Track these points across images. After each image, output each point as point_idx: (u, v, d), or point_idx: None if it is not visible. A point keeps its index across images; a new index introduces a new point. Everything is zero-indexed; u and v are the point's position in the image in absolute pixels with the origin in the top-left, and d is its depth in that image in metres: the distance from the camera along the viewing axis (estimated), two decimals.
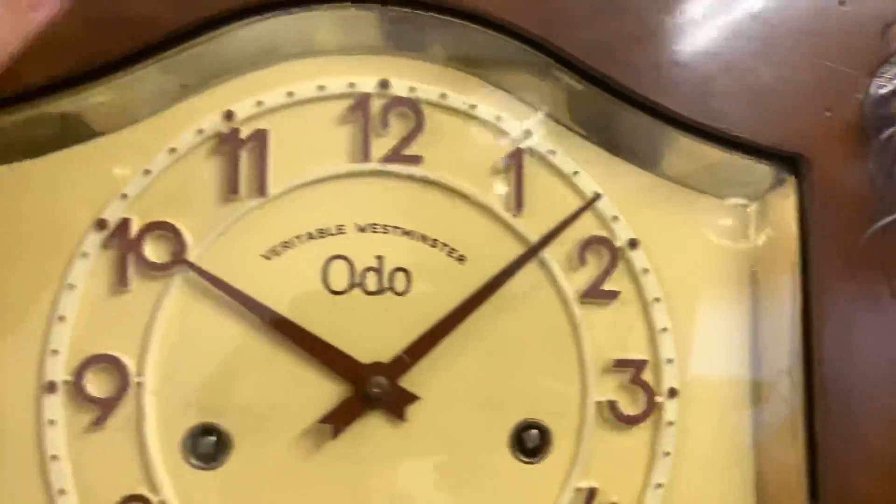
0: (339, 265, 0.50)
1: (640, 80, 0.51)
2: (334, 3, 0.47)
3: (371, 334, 0.50)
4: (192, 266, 0.48)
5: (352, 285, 0.50)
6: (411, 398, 0.49)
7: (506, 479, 0.51)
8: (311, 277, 0.50)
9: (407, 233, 0.51)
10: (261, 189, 0.49)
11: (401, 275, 0.51)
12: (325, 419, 0.48)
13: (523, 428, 0.51)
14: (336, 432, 0.48)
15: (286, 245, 0.50)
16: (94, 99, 0.47)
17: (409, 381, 0.50)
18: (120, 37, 0.45)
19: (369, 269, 0.50)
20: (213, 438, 0.48)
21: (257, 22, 0.48)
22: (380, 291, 0.50)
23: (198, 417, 0.48)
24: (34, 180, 0.47)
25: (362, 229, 0.51)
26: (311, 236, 0.50)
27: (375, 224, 0.51)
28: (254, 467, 0.48)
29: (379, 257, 0.51)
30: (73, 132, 0.48)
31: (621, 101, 0.52)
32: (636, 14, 0.51)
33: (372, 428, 0.49)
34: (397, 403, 0.49)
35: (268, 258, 0.50)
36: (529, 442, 0.51)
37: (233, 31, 0.48)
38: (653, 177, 0.53)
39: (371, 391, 0.48)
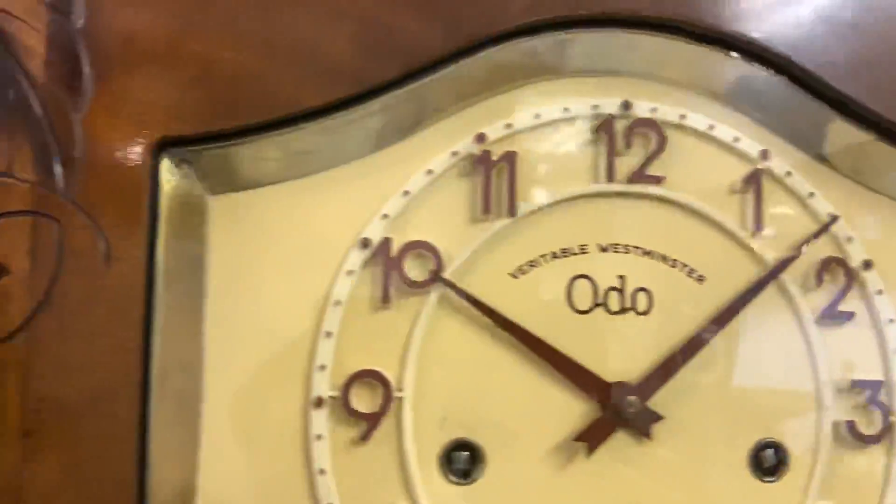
0: (583, 284, 0.51)
1: (883, 102, 0.52)
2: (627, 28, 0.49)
3: (614, 353, 0.51)
4: (448, 284, 0.49)
5: (595, 304, 0.51)
6: (656, 417, 0.50)
7: (745, 497, 0.51)
8: (556, 296, 0.51)
9: (647, 253, 0.52)
10: (510, 209, 0.50)
11: (642, 294, 0.51)
12: (581, 437, 0.49)
13: (761, 447, 0.52)
14: (591, 450, 0.49)
15: (532, 264, 0.51)
16: (358, 122, 0.48)
17: (651, 400, 0.51)
18: (391, 61, 0.47)
19: (612, 288, 0.51)
20: (466, 453, 0.49)
21: (511, 45, 0.49)
22: (622, 311, 0.51)
23: (453, 432, 0.49)
24: (301, 200, 0.48)
25: (604, 249, 0.51)
26: (555, 256, 0.51)
27: (617, 244, 0.51)
28: (506, 483, 0.49)
29: (621, 277, 0.51)
30: (336, 154, 0.49)
31: (858, 122, 0.52)
32: (877, 35, 0.52)
33: (617, 446, 0.50)
34: (644, 422, 0.50)
35: (515, 277, 0.50)
36: (767, 461, 0.52)
37: (489, 54, 0.49)
38: (884, 198, 0.54)
39: (626, 410, 0.49)
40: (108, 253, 0.44)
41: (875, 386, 0.52)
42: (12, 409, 0.43)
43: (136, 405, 0.44)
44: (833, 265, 0.52)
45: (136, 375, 0.44)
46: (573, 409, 0.50)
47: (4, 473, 0.42)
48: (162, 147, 0.45)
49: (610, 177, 0.51)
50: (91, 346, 0.43)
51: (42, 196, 0.44)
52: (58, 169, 0.44)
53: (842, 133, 0.53)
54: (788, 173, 0.53)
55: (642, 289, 0.51)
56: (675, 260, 0.52)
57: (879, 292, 0.52)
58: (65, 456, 0.42)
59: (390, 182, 0.49)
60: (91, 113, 0.44)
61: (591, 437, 0.49)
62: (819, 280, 0.52)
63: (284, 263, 0.48)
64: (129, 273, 0.44)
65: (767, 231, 0.52)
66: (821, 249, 0.52)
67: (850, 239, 0.53)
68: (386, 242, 0.49)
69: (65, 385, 0.43)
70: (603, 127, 0.51)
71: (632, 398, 0.49)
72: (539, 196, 0.50)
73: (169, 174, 0.46)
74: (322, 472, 0.47)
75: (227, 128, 0.46)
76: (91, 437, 0.43)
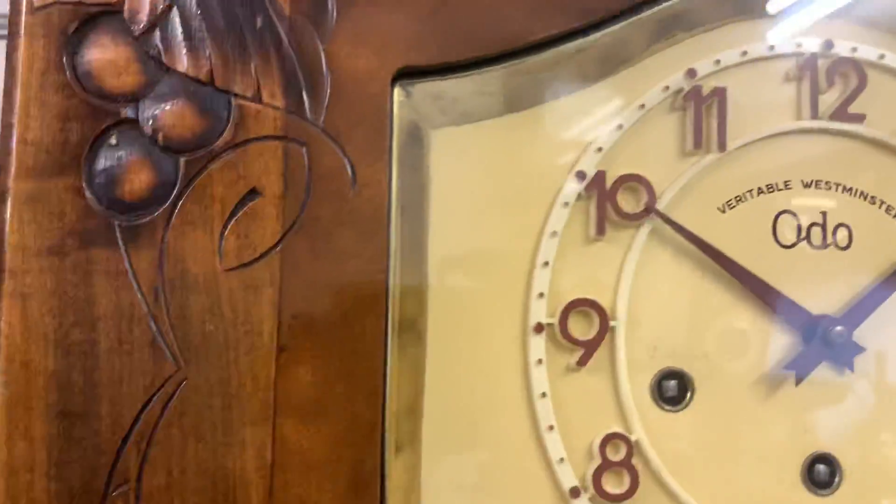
0: (787, 220, 0.52)
1: None
2: None
3: (816, 287, 0.52)
4: (663, 217, 0.50)
5: (798, 239, 0.52)
6: (859, 349, 0.51)
7: None
8: (762, 231, 0.52)
9: (848, 189, 0.53)
10: (720, 144, 0.51)
11: (843, 230, 0.52)
12: (790, 366, 0.50)
13: None
14: (798, 380, 0.51)
15: (739, 199, 0.52)
16: (575, 56, 0.49)
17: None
18: None
19: (814, 224, 0.52)
20: (674, 382, 0.51)
21: None
22: (823, 246, 0.52)
23: (663, 362, 0.51)
24: (518, 134, 0.50)
25: (807, 185, 0.52)
26: (760, 191, 0.52)
27: (819, 180, 0.52)
28: (714, 410, 0.51)
29: (823, 213, 0.52)
30: (552, 88, 0.50)
31: None
32: None
33: (819, 377, 0.51)
34: (848, 354, 0.51)
35: (722, 211, 0.52)
36: None
37: None
38: None
39: (834, 342, 0.50)
40: (354, 178, 0.46)
41: None
42: (268, 324, 0.44)
43: (382, 324, 0.45)
44: None
45: (381, 296, 0.45)
46: (777, 341, 0.51)
47: (261, 386, 0.44)
48: (397, 78, 0.47)
49: (813, 114, 0.52)
50: (340, 267, 0.45)
51: (291, 122, 0.45)
52: (305, 96, 0.46)
53: None
54: None
55: (843, 225, 0.52)
56: (874, 197, 0.53)
57: None
58: (317, 370, 0.44)
59: (604, 116, 0.50)
60: (335, 42, 0.46)
61: (799, 367, 0.51)
62: None
63: (502, 195, 0.50)
64: (375, 198, 0.45)
65: None
66: None
67: None
68: (600, 175, 0.50)
69: (316, 303, 0.44)
70: (806, 65, 0.52)
71: (839, 329, 0.50)
72: (746, 131, 0.51)
73: (401, 105, 0.47)
74: (543, 395, 0.49)
75: (463, 59, 0.47)
76: (341, 352, 0.44)
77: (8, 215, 0.43)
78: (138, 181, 0.44)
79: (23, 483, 0.42)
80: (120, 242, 0.44)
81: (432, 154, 0.49)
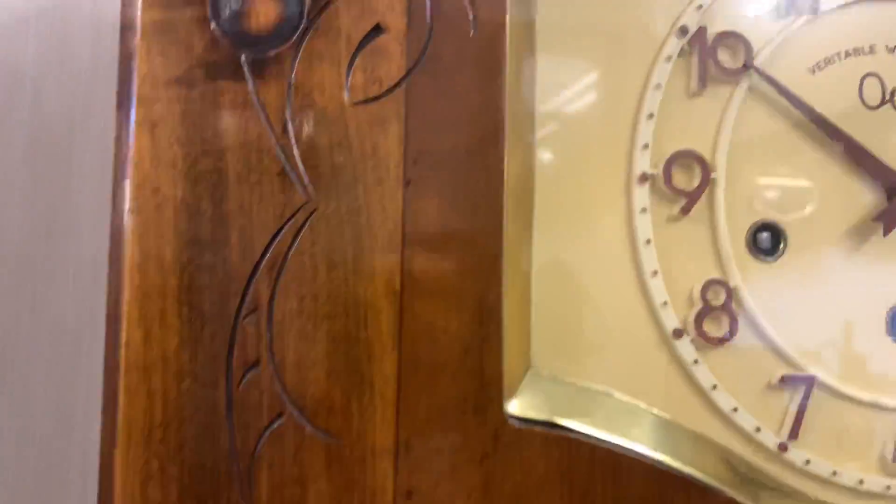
0: (872, 83, 0.54)
1: None
2: None
3: None
4: (761, 72, 0.52)
5: (882, 102, 0.54)
6: None
7: None
8: (849, 92, 0.54)
9: None
10: (813, 7, 0.53)
11: None
12: (879, 217, 0.53)
13: None
14: (887, 230, 0.53)
15: (828, 61, 0.54)
16: None
17: None
18: None
19: None
20: (767, 234, 0.53)
21: None
22: None
23: (758, 214, 0.52)
24: None
25: (891, 51, 0.54)
26: (847, 54, 0.54)
27: None
28: (806, 261, 0.53)
29: None
30: None
31: None
32: None
33: None
34: None
35: (812, 72, 0.53)
36: None
37: None
38: None
39: None
40: (475, 19, 0.46)
41: None
42: (395, 158, 0.45)
43: (501, 162, 0.46)
44: None
45: (501, 133, 0.46)
46: (864, 197, 0.53)
47: (390, 217, 0.45)
48: None
49: None
50: (461, 104, 0.45)
51: None
52: None
53: None
54: None
55: None
56: None
57: None
58: (441, 203, 0.45)
59: None
60: None
61: (886, 219, 0.53)
62: None
63: (606, 49, 0.51)
64: (494, 37, 0.46)
65: None
66: None
67: None
68: (702, 31, 0.51)
69: (439, 139, 0.45)
70: None
71: None
72: None
73: None
74: (647, 242, 0.50)
75: None
76: (465, 188, 0.45)
77: (136, 45, 0.44)
78: (264, 14, 0.45)
79: (155, 307, 0.43)
80: (247, 75, 0.44)
81: (539, 7, 0.51)
